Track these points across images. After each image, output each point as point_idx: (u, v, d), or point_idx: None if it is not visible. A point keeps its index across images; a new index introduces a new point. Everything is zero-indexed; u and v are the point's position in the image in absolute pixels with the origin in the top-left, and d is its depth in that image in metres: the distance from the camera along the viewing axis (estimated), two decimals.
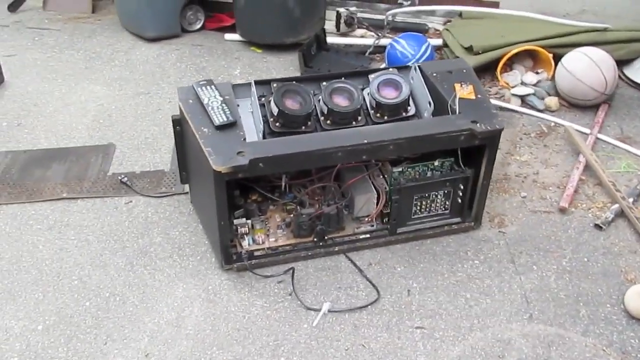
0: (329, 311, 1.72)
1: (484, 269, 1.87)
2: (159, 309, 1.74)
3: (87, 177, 2.21)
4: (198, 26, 3.27)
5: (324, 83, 1.92)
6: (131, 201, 2.12)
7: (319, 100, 1.88)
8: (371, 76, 1.97)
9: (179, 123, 1.89)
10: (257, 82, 1.90)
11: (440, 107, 1.88)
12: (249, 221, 1.88)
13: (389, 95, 1.89)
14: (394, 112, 1.89)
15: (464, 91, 1.90)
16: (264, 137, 1.81)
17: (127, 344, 1.64)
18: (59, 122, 2.52)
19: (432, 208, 1.93)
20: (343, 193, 1.89)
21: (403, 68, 2.02)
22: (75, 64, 2.96)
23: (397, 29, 3.18)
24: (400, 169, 1.86)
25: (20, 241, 1.95)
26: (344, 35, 3.18)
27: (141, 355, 1.62)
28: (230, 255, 1.82)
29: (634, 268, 1.87)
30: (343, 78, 1.95)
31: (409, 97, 1.89)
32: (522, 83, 2.72)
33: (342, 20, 3.14)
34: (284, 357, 1.61)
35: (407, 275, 1.85)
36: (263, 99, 1.88)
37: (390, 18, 3.05)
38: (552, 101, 2.61)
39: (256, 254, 1.85)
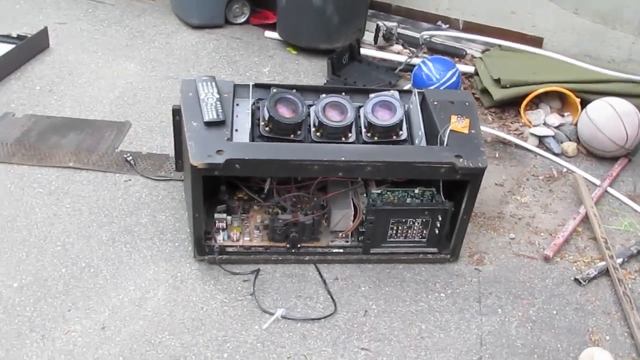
0: (282, 317, 1.76)
1: (448, 303, 1.87)
2: (127, 286, 1.83)
3: (97, 150, 2.33)
4: (242, 20, 3.35)
5: (323, 95, 1.96)
6: (130, 180, 2.22)
7: (314, 111, 1.91)
8: (371, 95, 1.99)
9: (178, 113, 1.97)
10: (257, 85, 1.95)
11: (433, 136, 1.88)
12: (228, 217, 1.95)
13: (382, 117, 1.91)
14: (385, 134, 1.91)
15: (459, 124, 1.89)
16: (252, 139, 1.86)
17: (88, 314, 1.73)
18: (87, 94, 2.66)
19: (408, 234, 1.94)
20: (324, 206, 1.93)
21: (406, 92, 2.03)
22: (118, 40, 3.09)
23: (435, 50, 3.17)
24: (379, 191, 1.88)
25: (20, 201, 2.08)
26: (381, 48, 3.19)
27: (98, 327, 1.70)
28: (203, 247, 1.89)
29: (602, 329, 1.82)
30: (343, 93, 1.98)
31: (401, 122, 1.91)
32: (545, 124, 2.67)
33: (380, 34, 3.15)
34: (227, 353, 1.67)
35: (369, 295, 1.87)
36: (260, 102, 1.93)
37: (425, 38, 3.04)
38: (570, 147, 2.55)
39: (228, 249, 1.91)
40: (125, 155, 2.30)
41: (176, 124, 2.00)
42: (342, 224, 1.94)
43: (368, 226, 1.89)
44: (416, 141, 1.93)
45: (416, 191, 1.89)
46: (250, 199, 2.02)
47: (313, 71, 3.00)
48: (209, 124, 1.79)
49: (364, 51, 3.09)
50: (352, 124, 1.89)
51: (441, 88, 2.70)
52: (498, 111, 2.79)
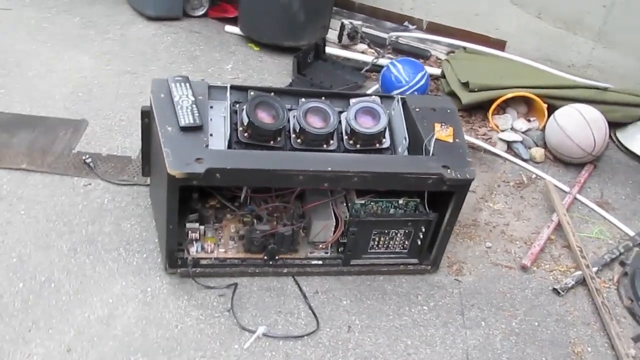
0: (264, 335, 1.67)
1: (432, 316, 1.82)
2: (93, 303, 1.69)
3: (52, 151, 2.15)
4: (201, 12, 3.21)
5: (302, 99, 1.87)
6: (90, 184, 2.06)
7: (294, 117, 1.82)
8: (353, 100, 1.92)
9: (147, 115, 1.84)
10: (233, 87, 1.85)
11: (416, 144, 1.83)
12: (201, 227, 1.83)
13: (366, 124, 1.84)
14: (368, 141, 1.84)
15: (443, 132, 1.84)
16: (229, 146, 1.76)
17: (51, 335, 1.59)
18: (38, 88, 2.46)
19: (390, 245, 1.88)
20: (302, 215, 1.84)
21: (387, 97, 1.96)
22: (69, 30, 2.90)
23: (400, 50, 3.12)
24: (363, 202, 1.81)
25: None
26: (345, 47, 3.12)
27: (63, 349, 1.56)
28: (176, 260, 1.77)
29: (584, 341, 1.82)
30: (323, 98, 1.90)
31: (385, 129, 1.84)
32: (512, 128, 2.67)
33: (345, 32, 3.08)
34: None
35: (351, 310, 1.80)
36: (237, 105, 1.83)
37: (393, 39, 2.99)
38: (538, 152, 2.56)
39: (202, 262, 1.80)
40: (83, 157, 2.14)
41: (145, 126, 1.87)
42: (322, 234, 1.86)
43: (350, 237, 1.82)
44: (399, 149, 1.87)
45: (400, 202, 1.83)
46: (223, 207, 1.91)
47: (277, 69, 2.90)
48: (185, 129, 1.67)
49: (328, 50, 3.01)
50: (334, 131, 1.81)
51: (410, 91, 2.66)
52: (465, 115, 2.77)
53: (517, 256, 2.09)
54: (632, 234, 2.23)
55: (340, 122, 1.86)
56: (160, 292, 1.75)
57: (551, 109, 2.65)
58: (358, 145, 1.84)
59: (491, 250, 2.10)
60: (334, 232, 1.85)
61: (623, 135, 2.73)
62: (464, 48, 3.05)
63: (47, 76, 2.55)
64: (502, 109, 2.74)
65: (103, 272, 1.78)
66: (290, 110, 1.84)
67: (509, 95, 2.63)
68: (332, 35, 3.14)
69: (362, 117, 1.85)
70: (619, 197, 2.45)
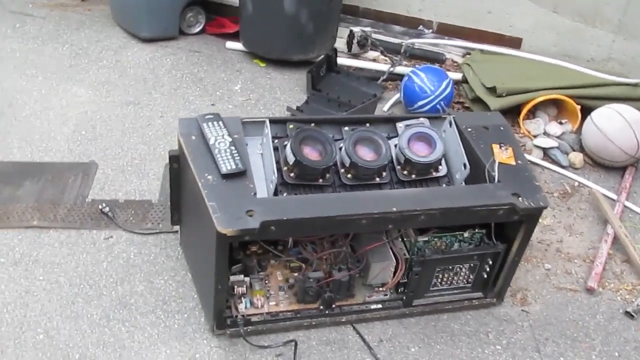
0: None
1: (507, 357, 1.67)
2: None
3: (63, 202, 1.94)
4: (198, 29, 3.00)
5: (346, 128, 1.70)
6: (112, 236, 1.86)
7: (340, 149, 1.64)
8: (399, 125, 1.75)
9: (176, 160, 1.64)
10: (271, 121, 1.66)
11: (475, 170, 1.66)
12: (246, 279, 1.65)
13: (420, 152, 1.67)
14: (424, 171, 1.67)
15: (504, 155, 1.68)
16: (275, 189, 1.57)
17: None
18: (36, 130, 2.24)
19: (454, 281, 1.72)
20: (358, 258, 1.67)
21: (435, 118, 1.80)
22: (59, 60, 2.67)
23: (413, 56, 2.96)
24: (426, 238, 1.64)
25: None
26: (355, 56, 2.94)
27: None
28: (224, 320, 1.59)
29: None
30: (368, 124, 1.73)
31: (442, 157, 1.68)
32: (545, 133, 2.53)
33: (355, 40, 2.90)
34: None
35: (421, 357, 1.63)
36: (276, 141, 1.64)
37: (409, 45, 2.82)
38: (577, 158, 2.42)
39: (253, 319, 1.62)
40: (99, 206, 1.93)
41: (174, 172, 1.68)
42: (380, 276, 1.69)
43: (413, 278, 1.65)
44: (457, 176, 1.70)
45: (466, 235, 1.67)
46: (265, 252, 1.72)
47: (289, 86, 2.71)
48: (227, 176, 1.48)
49: (339, 61, 2.82)
50: (388, 162, 1.64)
51: (436, 101, 2.50)
52: None
53: (579, 277, 1.95)
54: None
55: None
56: (211, 358, 1.56)
57: (583, 110, 2.52)
58: (413, 176, 1.67)
59: (551, 272, 1.96)
60: (394, 272, 1.68)
61: None
62: (481, 50, 2.90)
63: (43, 115, 2.32)
64: (532, 113, 2.60)
65: (143, 340, 1.59)
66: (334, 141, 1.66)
67: (541, 99, 2.49)
68: (339, 44, 2.96)
69: (416, 143, 1.68)
70: None
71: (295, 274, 1.70)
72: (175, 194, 1.72)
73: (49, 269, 1.74)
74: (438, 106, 2.51)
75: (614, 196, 2.28)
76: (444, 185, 1.70)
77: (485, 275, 1.72)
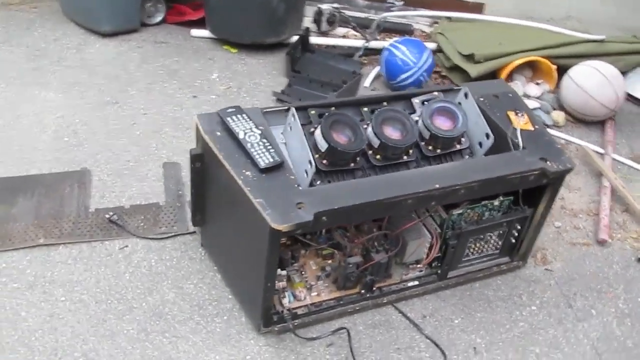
0: None
1: (544, 316, 1.71)
2: None
3: (65, 216, 1.82)
4: (159, 19, 2.87)
5: (365, 109, 1.68)
6: (127, 245, 1.76)
7: (366, 130, 1.62)
8: (415, 100, 1.74)
9: (199, 159, 1.57)
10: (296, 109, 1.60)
11: (496, 139, 1.68)
12: (283, 272, 1.61)
13: (443, 126, 1.66)
14: (448, 144, 1.67)
15: (521, 121, 1.71)
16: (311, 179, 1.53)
17: None
18: (14, 141, 2.08)
19: (484, 249, 1.75)
20: (397, 238, 1.66)
21: (448, 91, 1.80)
22: (18, 64, 2.48)
23: (383, 29, 2.94)
24: (460, 211, 1.65)
25: None
26: (324, 34, 2.90)
27: None
28: (271, 317, 1.54)
29: None
30: (385, 103, 1.71)
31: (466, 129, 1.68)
32: (525, 95, 2.59)
33: (323, 18, 2.86)
34: None
35: (467, 328, 1.65)
36: (304, 128, 1.59)
37: (381, 21, 2.81)
38: (560, 116, 2.50)
39: (298, 312, 1.58)
40: (106, 215, 1.83)
41: (196, 171, 1.60)
42: (415, 254, 1.69)
43: (449, 251, 1.66)
44: (478, 147, 1.72)
45: (496, 203, 1.68)
46: (295, 242, 1.69)
47: (266, 70, 2.64)
48: (266, 170, 1.43)
49: (311, 40, 2.78)
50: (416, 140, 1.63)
51: (420, 72, 2.51)
52: None
53: (588, 231, 2.02)
54: None
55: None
56: (262, 357, 1.52)
57: (558, 69, 2.59)
58: (438, 150, 1.67)
59: (562, 229, 2.02)
60: (429, 249, 1.68)
61: (627, 84, 2.72)
62: (449, 18, 2.92)
63: (18, 124, 2.16)
64: (509, 76, 2.65)
65: (188, 349, 1.52)
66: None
67: (520, 62, 2.54)
68: (307, 23, 2.90)
69: (438, 118, 1.68)
70: None
71: (329, 262, 1.68)
72: (199, 194, 1.64)
73: (69, 288, 1.63)
74: (421, 77, 2.52)
75: (601, 150, 2.37)
76: (466, 157, 1.71)
77: (513, 240, 1.76)
